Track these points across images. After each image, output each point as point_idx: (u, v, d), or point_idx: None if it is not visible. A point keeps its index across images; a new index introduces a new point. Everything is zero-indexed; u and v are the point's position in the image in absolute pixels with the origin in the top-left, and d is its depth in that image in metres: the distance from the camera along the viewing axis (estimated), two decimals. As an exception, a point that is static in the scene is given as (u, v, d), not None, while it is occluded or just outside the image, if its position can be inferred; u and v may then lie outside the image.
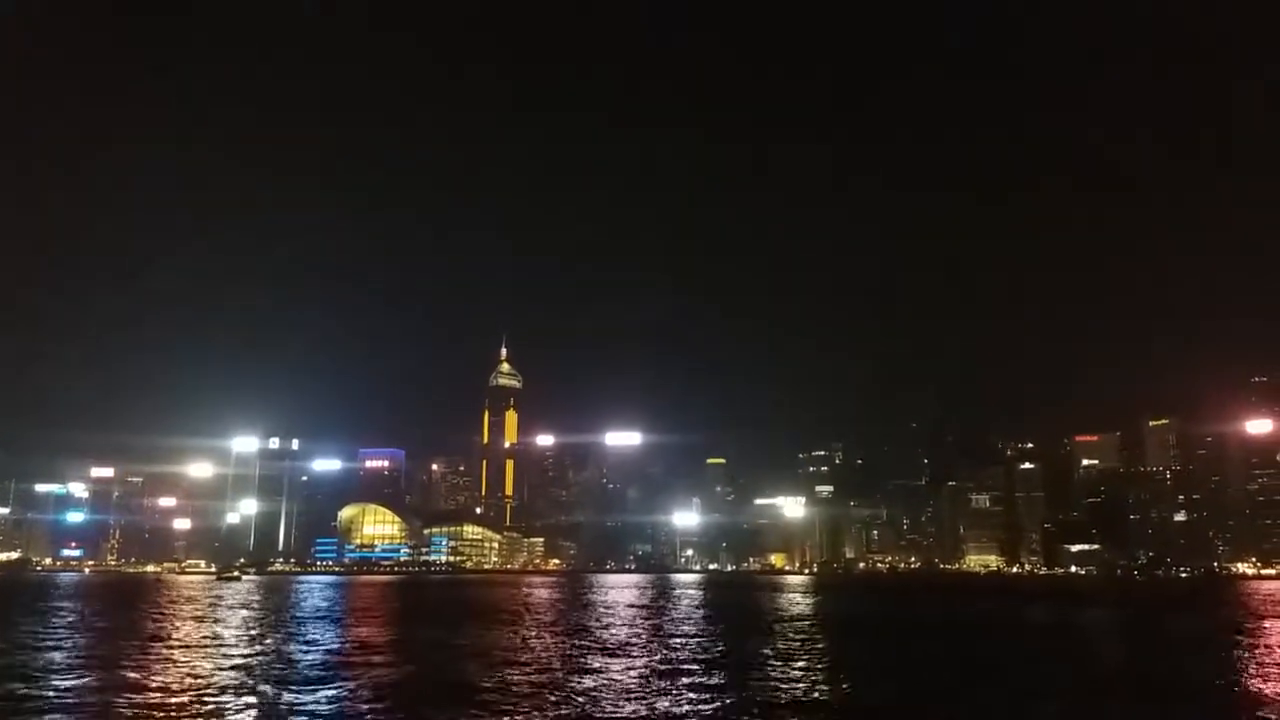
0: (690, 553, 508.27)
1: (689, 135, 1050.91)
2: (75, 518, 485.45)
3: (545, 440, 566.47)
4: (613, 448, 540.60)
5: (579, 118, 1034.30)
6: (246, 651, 47.55)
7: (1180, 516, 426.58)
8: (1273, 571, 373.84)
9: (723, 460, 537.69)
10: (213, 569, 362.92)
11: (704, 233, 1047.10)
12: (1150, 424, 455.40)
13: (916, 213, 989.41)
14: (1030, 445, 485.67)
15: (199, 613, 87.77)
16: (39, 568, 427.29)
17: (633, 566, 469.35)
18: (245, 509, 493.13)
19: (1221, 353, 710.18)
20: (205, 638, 59.73)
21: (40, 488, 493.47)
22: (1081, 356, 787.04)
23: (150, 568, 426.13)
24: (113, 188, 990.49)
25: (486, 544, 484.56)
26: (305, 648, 51.78)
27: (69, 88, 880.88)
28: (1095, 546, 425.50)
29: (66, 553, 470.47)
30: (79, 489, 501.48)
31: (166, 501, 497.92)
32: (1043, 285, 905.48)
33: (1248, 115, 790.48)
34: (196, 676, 37.19)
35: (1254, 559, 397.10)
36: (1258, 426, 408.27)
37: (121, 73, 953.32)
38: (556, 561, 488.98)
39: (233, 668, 39.82)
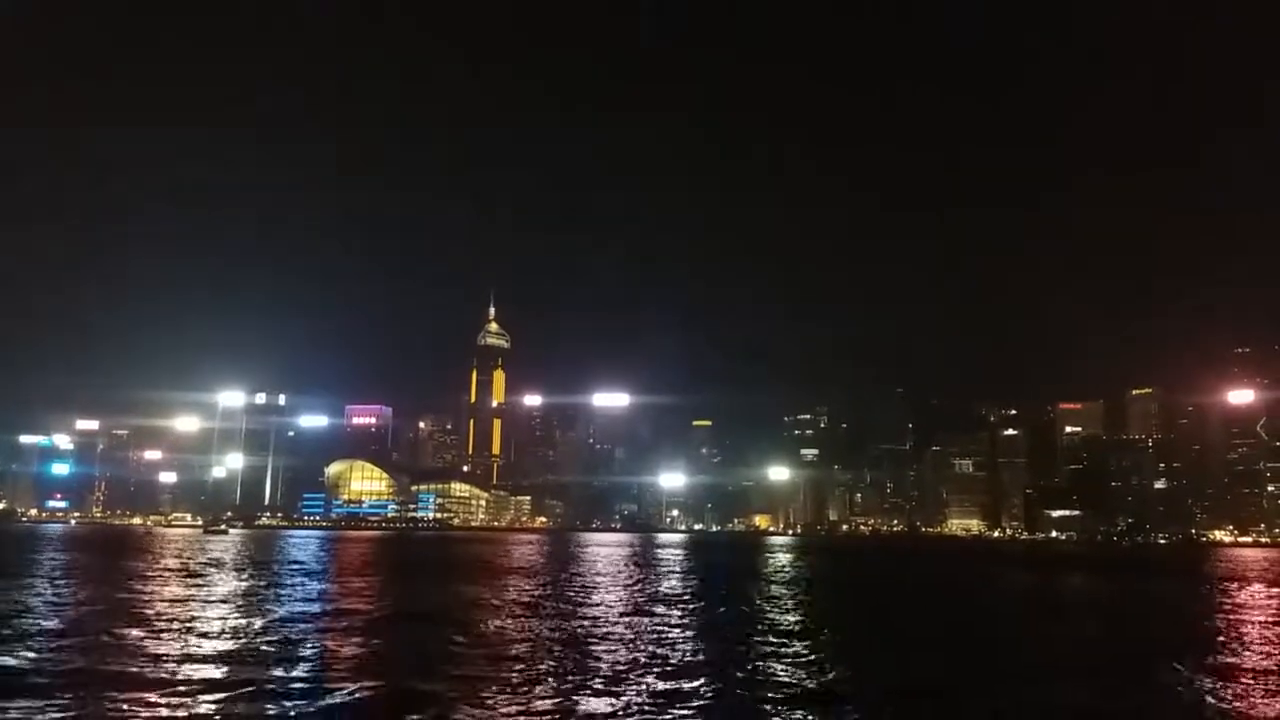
0: (676, 513, 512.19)
1: (684, 99, 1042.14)
2: (60, 470, 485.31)
3: (533, 400, 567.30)
4: (600, 408, 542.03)
5: (572, 80, 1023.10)
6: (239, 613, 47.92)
7: (1160, 484, 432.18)
8: (1249, 539, 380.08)
9: (709, 422, 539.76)
10: (199, 522, 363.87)
11: (695, 198, 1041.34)
12: (1133, 393, 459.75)
13: (904, 184, 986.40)
14: (1014, 412, 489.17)
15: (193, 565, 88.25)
16: (24, 519, 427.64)
17: (618, 526, 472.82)
18: (231, 463, 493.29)
19: (1205, 324, 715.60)
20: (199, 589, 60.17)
21: (25, 439, 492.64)
22: (1067, 326, 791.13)
23: (136, 520, 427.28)
24: (98, 140, 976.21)
25: (474, 501, 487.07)
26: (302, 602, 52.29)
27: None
28: (1076, 512, 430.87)
29: (52, 504, 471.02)
30: (64, 441, 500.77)
31: (152, 455, 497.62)
32: (1029, 255, 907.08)
33: (1235, 97, 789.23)
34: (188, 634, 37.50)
35: (1231, 527, 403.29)
36: (1239, 397, 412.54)
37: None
38: (543, 520, 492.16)
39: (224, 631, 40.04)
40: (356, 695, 21.82)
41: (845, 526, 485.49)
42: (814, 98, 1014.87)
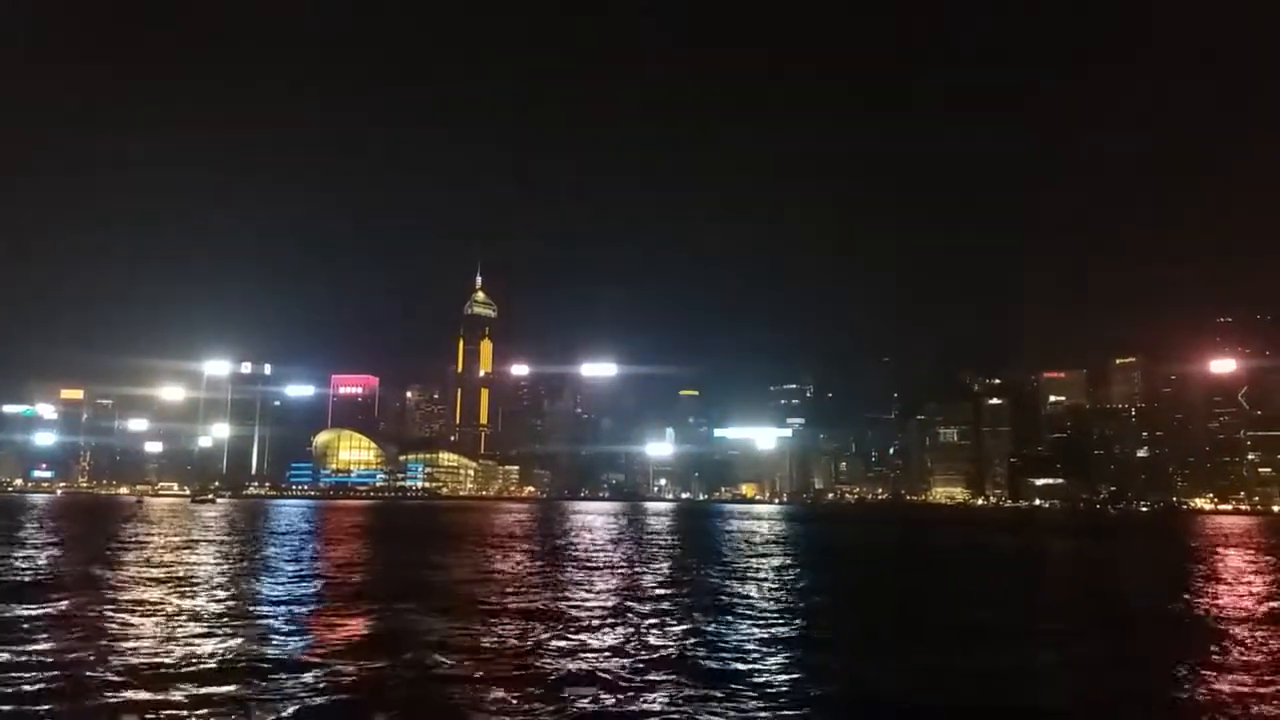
0: (663, 482, 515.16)
1: (671, 72, 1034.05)
2: (45, 439, 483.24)
3: (520, 369, 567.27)
4: (587, 378, 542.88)
5: (560, 49, 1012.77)
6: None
7: (1143, 452, 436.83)
8: (1228, 507, 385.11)
9: (696, 392, 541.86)
10: (186, 492, 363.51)
11: (679, 168, 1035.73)
12: (1116, 362, 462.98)
13: (889, 157, 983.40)
14: (998, 381, 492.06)
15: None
16: (9, 489, 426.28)
17: (606, 495, 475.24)
18: (218, 433, 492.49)
19: (1187, 293, 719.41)
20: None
21: (8, 409, 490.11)
22: (1050, 294, 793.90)
23: (123, 490, 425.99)
24: (84, 109, 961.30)
25: (462, 471, 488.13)
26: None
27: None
28: (1059, 481, 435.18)
29: (37, 474, 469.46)
30: (48, 410, 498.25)
31: (137, 424, 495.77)
32: (1013, 225, 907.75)
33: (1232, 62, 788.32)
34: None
35: (1211, 495, 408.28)
36: (1221, 366, 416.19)
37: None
38: (531, 489, 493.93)
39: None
40: (337, 682, 21.53)
41: (831, 495, 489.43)
42: (784, 70, 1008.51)
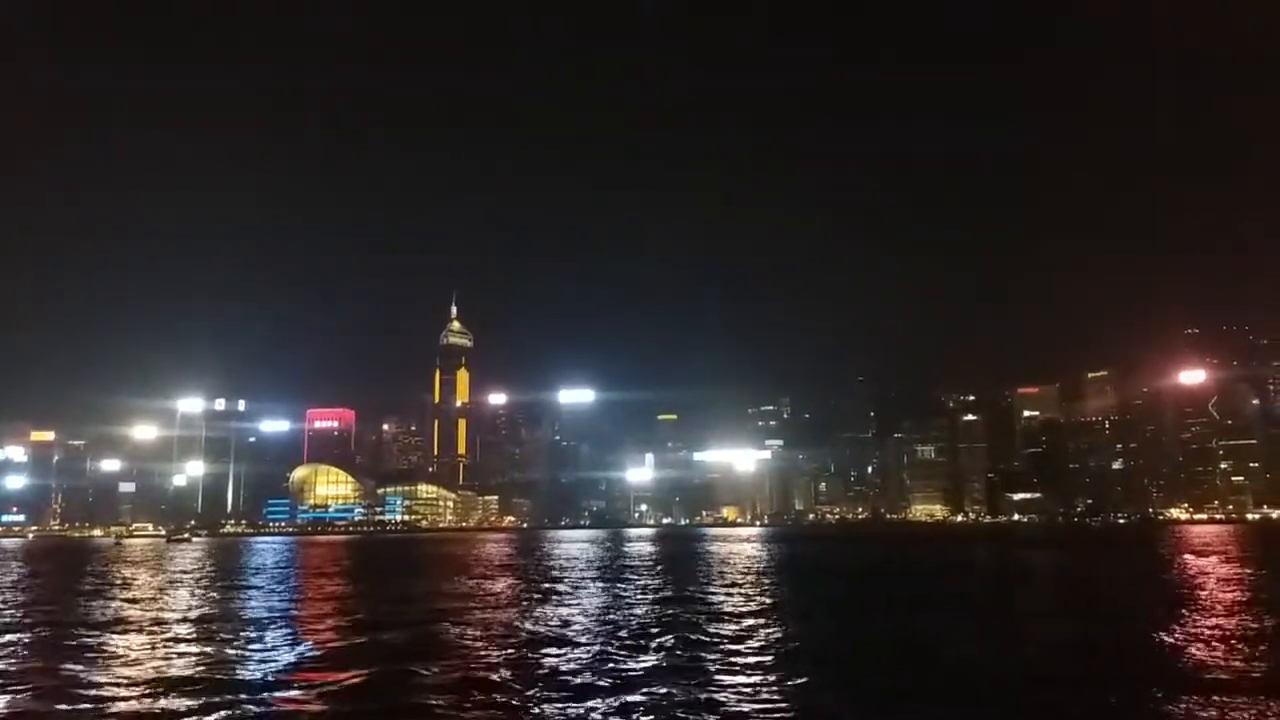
0: (644, 508, 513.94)
1: (644, 94, 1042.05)
2: (15, 482, 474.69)
3: (497, 398, 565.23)
4: (565, 405, 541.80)
5: (534, 76, 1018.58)
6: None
7: (1118, 465, 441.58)
8: (1204, 516, 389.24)
9: (674, 416, 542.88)
10: (161, 532, 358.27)
11: (655, 193, 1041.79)
12: (1089, 375, 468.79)
13: (861, 177, 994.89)
14: (972, 397, 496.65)
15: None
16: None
17: (587, 522, 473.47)
18: (192, 471, 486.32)
19: (1157, 307, 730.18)
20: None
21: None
22: (1022, 311, 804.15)
23: (96, 532, 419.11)
24: (51, 145, 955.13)
25: (441, 503, 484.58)
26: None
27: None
28: (1036, 495, 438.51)
29: (8, 518, 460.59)
30: (18, 453, 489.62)
31: (110, 464, 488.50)
32: (985, 243, 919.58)
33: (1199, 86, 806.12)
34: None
35: (1186, 505, 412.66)
36: (1191, 377, 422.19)
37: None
38: (511, 519, 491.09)
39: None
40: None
41: (812, 515, 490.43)
42: (755, 91, 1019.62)
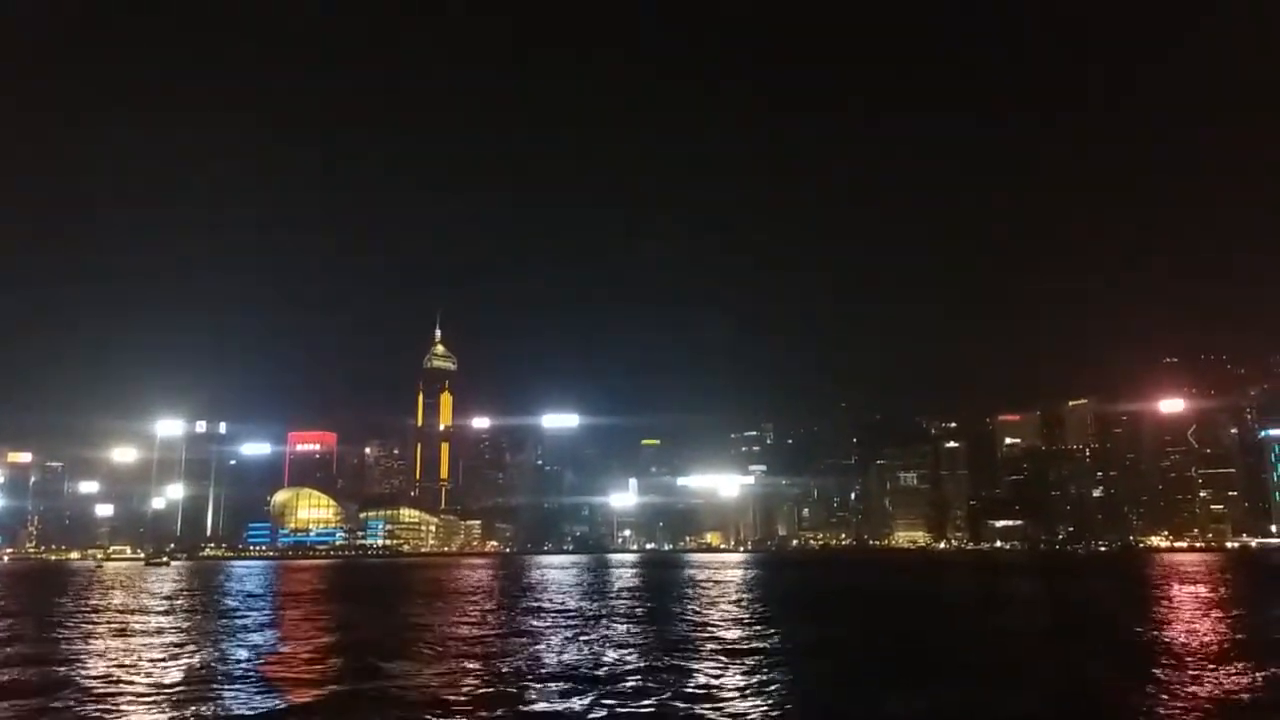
0: (628, 533, 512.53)
1: (629, 112, 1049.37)
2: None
3: (481, 422, 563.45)
4: (549, 430, 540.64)
5: (511, 97, 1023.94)
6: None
7: (1098, 493, 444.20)
8: (1184, 544, 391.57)
9: (657, 441, 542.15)
10: (140, 555, 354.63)
11: (637, 216, 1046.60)
12: (1069, 404, 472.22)
13: (844, 199, 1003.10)
14: (954, 424, 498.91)
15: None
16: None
17: (570, 548, 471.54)
18: (171, 494, 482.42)
19: (1136, 336, 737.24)
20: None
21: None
22: (1003, 339, 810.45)
23: (74, 555, 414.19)
24: (28, 157, 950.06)
25: (423, 527, 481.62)
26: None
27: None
28: (1018, 522, 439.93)
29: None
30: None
31: (88, 487, 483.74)
32: (966, 270, 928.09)
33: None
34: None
35: (1166, 532, 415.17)
36: (1170, 406, 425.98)
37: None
38: (494, 544, 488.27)
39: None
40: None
41: (795, 541, 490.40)
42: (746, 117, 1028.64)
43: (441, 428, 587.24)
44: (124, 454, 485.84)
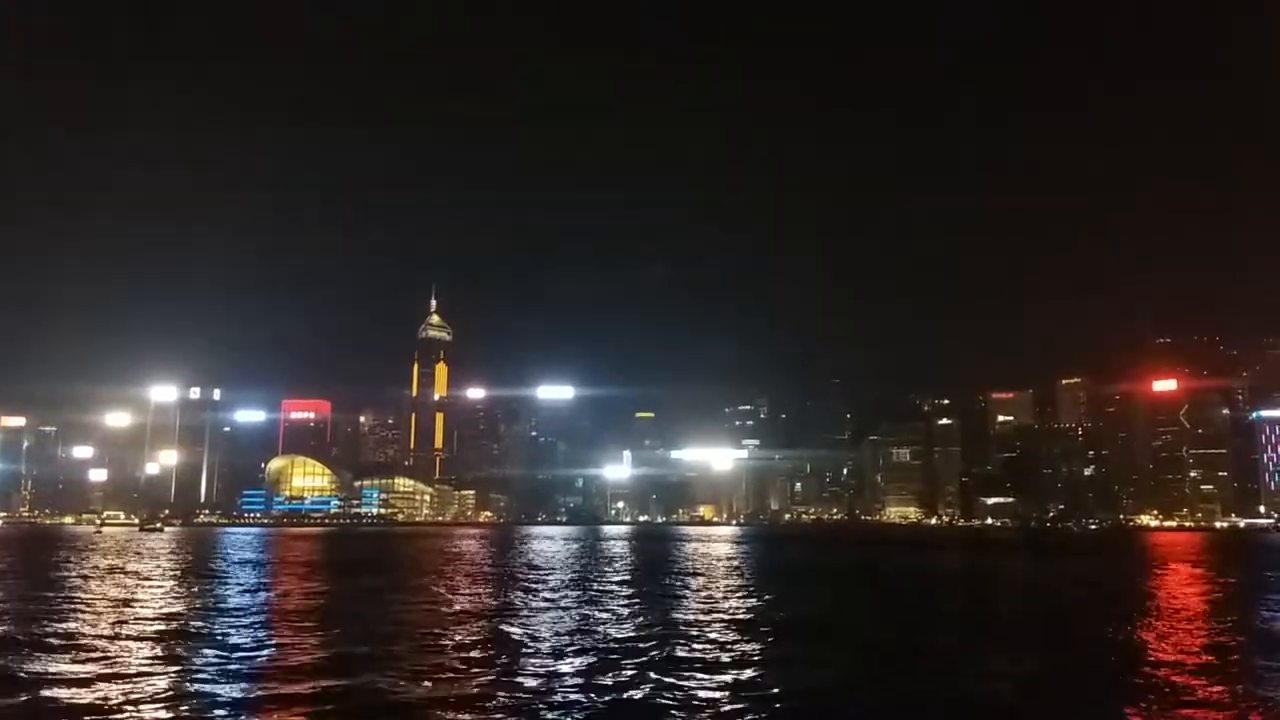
0: (621, 505, 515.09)
1: (624, 85, 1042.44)
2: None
3: (476, 393, 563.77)
4: (544, 401, 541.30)
5: (514, 66, 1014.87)
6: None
7: (1089, 471, 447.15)
8: (1173, 523, 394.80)
9: (652, 414, 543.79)
10: (134, 520, 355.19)
11: (635, 187, 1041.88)
12: (1062, 382, 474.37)
13: (840, 178, 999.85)
14: (948, 402, 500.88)
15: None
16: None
17: (564, 519, 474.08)
18: (165, 460, 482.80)
19: (1130, 315, 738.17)
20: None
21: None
22: (997, 317, 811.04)
23: (67, 519, 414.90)
24: (25, 127, 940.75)
25: (418, 496, 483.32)
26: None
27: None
28: (1009, 499, 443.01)
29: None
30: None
31: (82, 451, 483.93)
32: (960, 249, 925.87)
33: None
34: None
35: (1156, 511, 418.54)
36: (1162, 386, 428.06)
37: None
38: (488, 514, 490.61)
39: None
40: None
41: (787, 515, 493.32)
42: (746, 98, 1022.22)
43: (436, 398, 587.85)
44: (118, 419, 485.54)
